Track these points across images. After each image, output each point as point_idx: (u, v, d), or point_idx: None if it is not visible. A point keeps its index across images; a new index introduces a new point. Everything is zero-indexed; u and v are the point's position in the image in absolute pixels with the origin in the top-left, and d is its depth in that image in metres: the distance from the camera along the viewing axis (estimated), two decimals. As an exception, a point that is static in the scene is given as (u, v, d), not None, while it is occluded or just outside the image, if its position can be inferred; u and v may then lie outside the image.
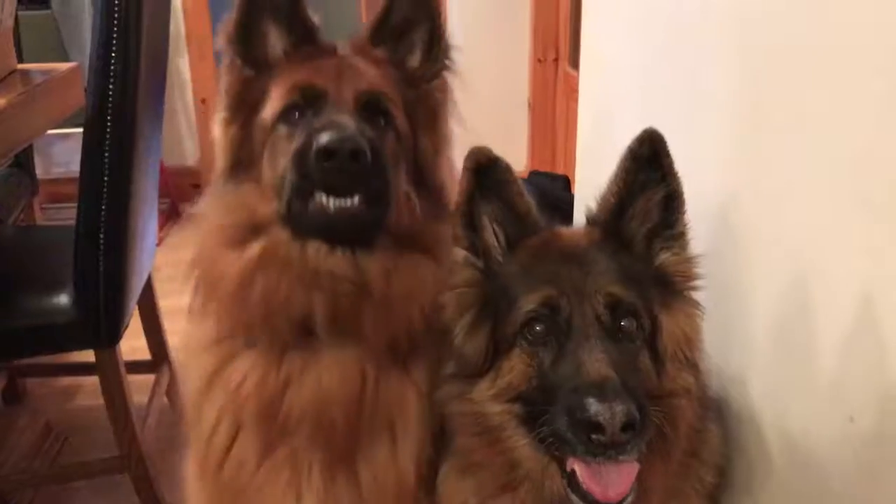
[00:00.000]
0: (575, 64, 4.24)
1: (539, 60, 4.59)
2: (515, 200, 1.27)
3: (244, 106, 1.37)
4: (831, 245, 1.13)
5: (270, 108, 1.34)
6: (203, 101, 4.97)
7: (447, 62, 1.45)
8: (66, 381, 3.00)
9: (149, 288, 2.62)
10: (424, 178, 1.40)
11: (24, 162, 2.99)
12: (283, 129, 1.32)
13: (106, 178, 1.94)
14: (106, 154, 1.92)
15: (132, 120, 1.96)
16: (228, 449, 1.39)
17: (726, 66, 1.41)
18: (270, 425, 1.34)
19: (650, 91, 1.78)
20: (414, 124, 1.39)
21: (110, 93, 1.90)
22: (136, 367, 2.62)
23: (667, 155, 1.23)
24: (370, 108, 1.32)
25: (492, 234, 1.28)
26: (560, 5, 4.43)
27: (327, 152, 1.19)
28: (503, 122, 4.68)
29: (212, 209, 1.39)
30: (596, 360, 1.09)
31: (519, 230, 1.27)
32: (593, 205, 1.31)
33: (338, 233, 1.29)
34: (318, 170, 1.20)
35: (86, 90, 2.49)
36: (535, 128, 4.71)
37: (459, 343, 1.25)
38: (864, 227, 1.05)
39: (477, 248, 1.29)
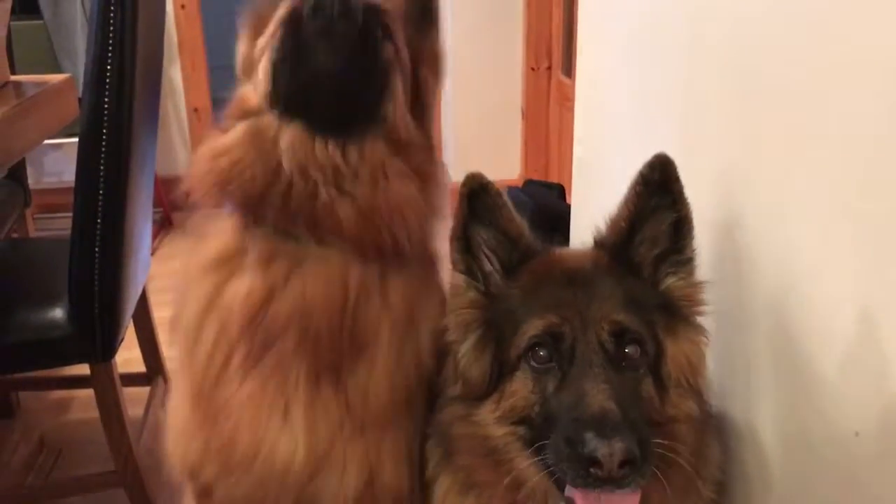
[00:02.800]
0: (568, 72, 4.26)
1: (532, 69, 4.59)
2: (507, 225, 1.27)
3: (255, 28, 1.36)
4: (831, 261, 1.13)
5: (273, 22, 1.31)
6: (195, 110, 4.96)
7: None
8: (60, 394, 2.97)
9: (143, 300, 2.61)
10: (421, 112, 1.38)
11: (16, 173, 2.97)
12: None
13: (101, 192, 1.92)
14: (101, 167, 1.90)
15: (128, 132, 1.94)
16: (226, 368, 1.33)
17: (723, 79, 1.41)
18: (255, 335, 1.30)
19: (645, 102, 1.78)
20: (414, 53, 1.36)
21: (105, 106, 1.88)
22: (130, 379, 2.60)
23: (677, 180, 1.23)
24: (366, 21, 1.25)
25: (485, 261, 1.28)
26: (553, 14, 4.44)
27: (315, 6, 1.17)
28: (497, 131, 4.68)
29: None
30: (598, 392, 1.08)
31: (513, 254, 1.27)
32: (601, 226, 1.30)
33: (326, 107, 1.25)
34: (306, 34, 1.19)
35: (80, 101, 2.49)
36: (528, 136, 4.71)
37: (464, 366, 1.25)
38: (866, 245, 1.05)
39: (475, 271, 1.29)
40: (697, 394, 1.24)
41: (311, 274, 1.29)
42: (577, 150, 2.27)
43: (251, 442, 1.31)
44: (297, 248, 1.30)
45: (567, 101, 4.18)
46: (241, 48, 1.40)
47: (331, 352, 1.30)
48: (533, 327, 1.17)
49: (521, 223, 1.28)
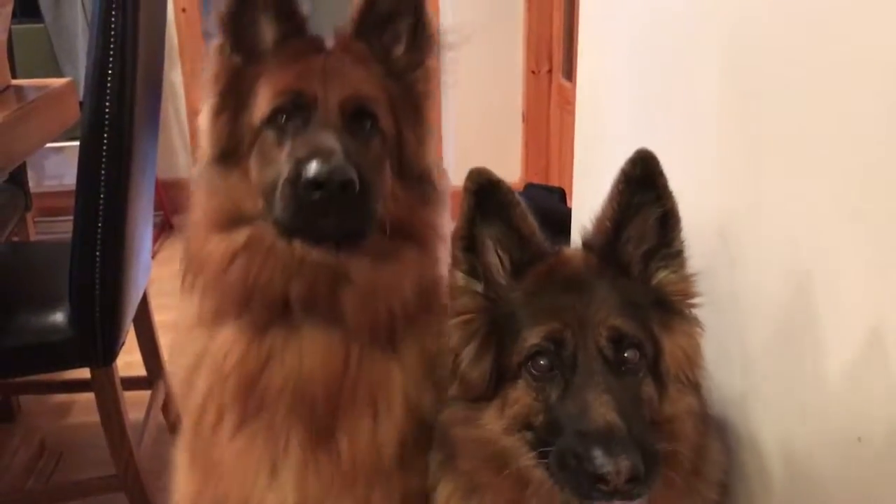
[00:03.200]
0: (569, 75, 4.26)
1: (533, 72, 4.59)
2: (519, 223, 1.24)
3: (233, 95, 1.38)
4: (833, 261, 1.12)
5: (258, 109, 1.35)
6: (196, 113, 4.96)
7: (432, 49, 1.45)
8: (60, 397, 2.97)
9: (144, 303, 2.60)
10: (410, 168, 1.42)
11: (17, 177, 2.97)
12: (270, 135, 1.34)
13: (102, 196, 1.92)
14: (102, 171, 1.91)
15: (129, 137, 1.94)
16: (217, 426, 1.40)
17: (723, 81, 1.41)
18: (248, 399, 1.37)
19: (647, 105, 1.78)
20: (398, 119, 1.41)
21: (107, 109, 1.89)
22: (131, 383, 2.60)
23: (660, 174, 1.22)
24: (356, 114, 1.34)
25: (495, 257, 1.26)
26: (554, 17, 4.44)
27: (316, 184, 1.21)
28: (497, 134, 4.68)
29: (201, 194, 1.41)
30: (601, 405, 1.08)
31: (524, 254, 1.25)
32: (588, 225, 1.29)
33: (324, 239, 1.32)
34: (306, 200, 1.23)
35: (81, 105, 2.49)
36: (528, 139, 4.71)
37: (465, 369, 1.24)
38: (866, 242, 1.05)
39: (477, 271, 1.26)
40: (696, 388, 1.23)
41: (308, 346, 1.35)
42: (579, 154, 2.27)
43: (240, 499, 1.38)
44: (294, 318, 1.35)
45: (567, 104, 4.18)
46: (213, 122, 1.39)
47: (327, 416, 1.36)
48: (534, 335, 1.16)
49: (534, 222, 1.26)
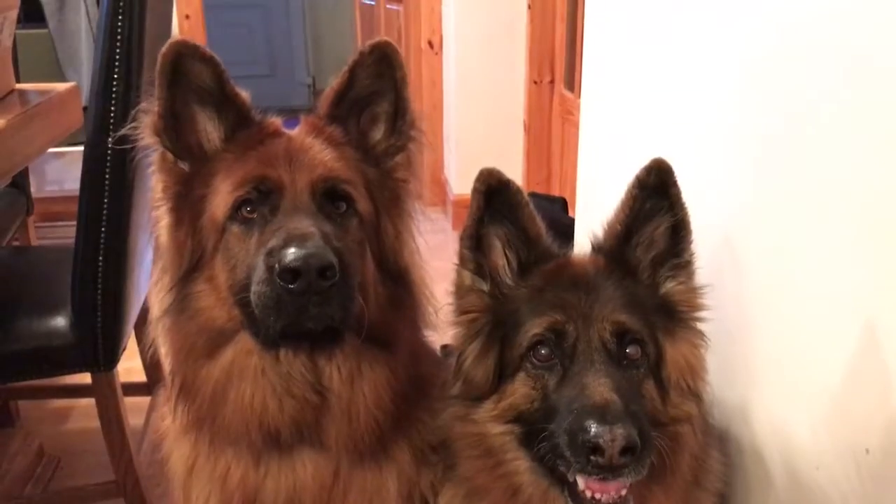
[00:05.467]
0: (571, 86, 4.26)
1: (535, 82, 4.59)
2: (527, 224, 1.27)
3: (187, 205, 1.31)
4: (840, 273, 1.12)
5: (220, 204, 1.28)
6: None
7: (413, 135, 1.38)
8: (60, 403, 2.96)
9: (145, 309, 2.59)
10: (388, 263, 1.36)
11: (19, 181, 2.97)
12: (235, 230, 1.27)
13: (106, 201, 1.92)
14: (107, 176, 1.91)
15: (133, 141, 1.94)
16: None
17: (731, 94, 1.41)
18: None
19: (653, 116, 1.78)
20: (376, 206, 1.34)
21: (112, 114, 1.89)
22: (131, 389, 2.59)
23: (674, 184, 1.24)
24: (329, 195, 1.27)
25: (502, 257, 1.28)
26: (556, 28, 4.44)
27: (293, 272, 1.14)
28: (499, 144, 4.68)
29: (169, 326, 1.34)
30: (599, 384, 1.10)
31: (531, 254, 1.27)
32: (598, 232, 1.31)
33: (310, 341, 1.27)
34: (284, 293, 1.15)
35: (85, 110, 2.48)
36: (530, 149, 4.71)
37: (469, 367, 1.25)
38: (875, 256, 1.05)
39: (483, 270, 1.28)
40: (697, 397, 1.25)
41: (300, 466, 1.35)
42: (583, 165, 2.27)
43: None
44: (284, 445, 1.34)
45: (569, 114, 4.18)
46: (171, 240, 1.32)
47: None
48: (536, 325, 1.18)
49: (541, 223, 1.28)
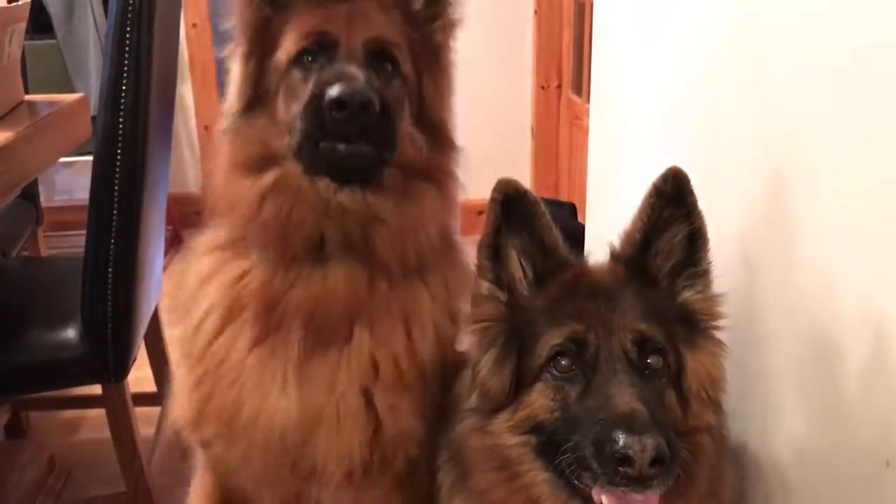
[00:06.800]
0: (578, 90, 4.25)
1: (542, 87, 4.59)
2: (544, 235, 1.26)
3: (261, 43, 1.43)
4: (858, 282, 1.11)
5: (285, 51, 1.40)
6: (206, 127, 4.97)
7: (448, 7, 1.50)
8: (70, 413, 2.96)
9: (155, 319, 2.59)
10: (428, 117, 1.48)
11: (28, 191, 2.97)
12: (297, 74, 1.39)
13: (115, 211, 1.92)
14: (116, 187, 1.91)
15: (142, 152, 1.94)
16: (215, 337, 1.46)
17: (744, 100, 1.40)
18: (269, 318, 1.43)
19: (664, 121, 1.77)
20: (418, 66, 1.46)
21: (120, 125, 1.89)
22: (141, 399, 2.58)
23: (690, 193, 1.23)
24: (378, 54, 1.39)
25: (518, 268, 1.27)
26: (563, 32, 4.44)
27: (339, 103, 1.26)
28: (506, 149, 4.68)
29: (227, 143, 1.45)
30: (625, 394, 1.08)
31: (547, 265, 1.26)
32: (616, 241, 1.30)
33: (347, 173, 1.36)
34: (329, 119, 1.28)
35: (93, 121, 2.49)
36: (538, 154, 4.71)
37: (484, 378, 1.24)
38: (889, 265, 1.04)
39: (501, 280, 1.28)
40: (717, 406, 1.24)
41: (332, 273, 1.40)
42: (593, 171, 2.26)
43: (253, 408, 1.42)
44: (324, 254, 1.40)
45: (577, 119, 4.18)
46: (242, 69, 1.45)
47: (335, 330, 1.42)
48: (556, 335, 1.17)
49: (558, 234, 1.27)
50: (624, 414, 1.05)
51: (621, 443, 1.01)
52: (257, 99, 1.44)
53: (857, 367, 1.12)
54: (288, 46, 1.40)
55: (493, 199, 1.24)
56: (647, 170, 1.76)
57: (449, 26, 1.51)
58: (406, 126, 1.42)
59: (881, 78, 1.03)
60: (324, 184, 1.36)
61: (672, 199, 1.23)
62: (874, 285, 1.07)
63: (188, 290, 1.53)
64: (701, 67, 1.57)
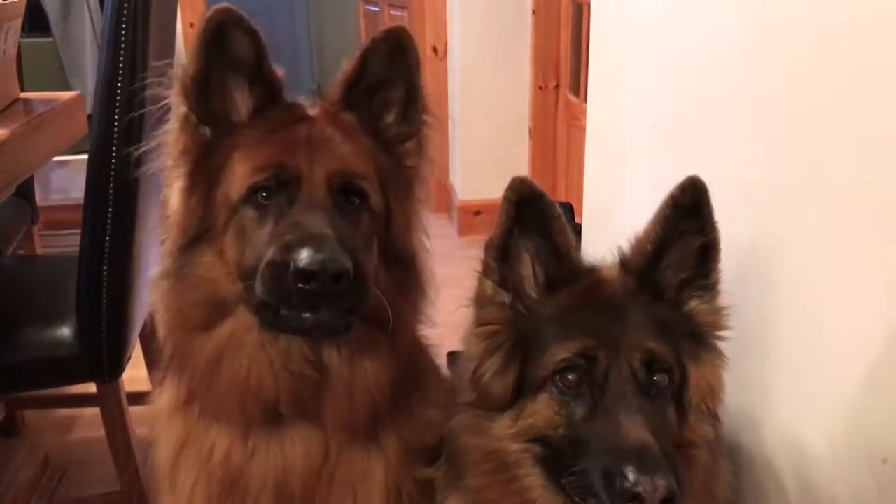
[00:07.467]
0: (576, 91, 4.25)
1: (540, 87, 4.59)
2: (557, 238, 1.23)
3: (202, 173, 1.29)
4: (855, 283, 1.11)
5: (236, 185, 1.27)
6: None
7: (425, 120, 1.37)
8: (65, 412, 2.95)
9: (150, 318, 2.58)
10: (395, 249, 1.36)
11: (24, 190, 2.97)
12: (250, 213, 1.26)
13: (110, 209, 1.92)
14: (111, 185, 1.90)
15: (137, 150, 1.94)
16: None
17: (745, 101, 1.40)
18: (233, 493, 1.35)
19: (662, 124, 1.76)
20: (387, 195, 1.34)
21: (115, 123, 1.88)
22: (136, 398, 2.57)
23: (707, 204, 1.21)
24: (344, 189, 1.27)
25: (529, 270, 1.24)
26: (561, 32, 4.44)
27: (308, 275, 1.13)
28: (504, 149, 4.67)
29: (168, 290, 1.32)
30: (635, 424, 1.07)
31: (559, 269, 1.23)
32: (623, 244, 1.27)
33: (310, 337, 1.27)
34: (295, 291, 1.15)
35: (88, 119, 2.48)
36: (535, 155, 4.70)
37: (488, 382, 1.22)
38: (888, 269, 1.03)
39: (507, 282, 1.25)
40: (714, 417, 1.23)
41: (290, 443, 1.33)
42: (590, 172, 2.26)
43: None
44: (278, 418, 1.33)
45: (575, 119, 4.17)
46: (184, 204, 1.30)
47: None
48: (565, 349, 1.15)
49: (572, 237, 1.24)
50: (635, 448, 1.04)
51: (632, 479, 1.00)
52: (201, 235, 1.29)
53: (854, 366, 1.12)
54: (239, 180, 1.25)
55: (506, 199, 1.21)
56: (645, 170, 1.77)
57: (424, 146, 1.38)
58: (373, 264, 1.31)
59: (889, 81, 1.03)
60: (284, 340, 1.26)
61: (688, 211, 1.21)
62: (875, 284, 1.07)
63: (164, 458, 1.42)
64: (698, 66, 1.57)
